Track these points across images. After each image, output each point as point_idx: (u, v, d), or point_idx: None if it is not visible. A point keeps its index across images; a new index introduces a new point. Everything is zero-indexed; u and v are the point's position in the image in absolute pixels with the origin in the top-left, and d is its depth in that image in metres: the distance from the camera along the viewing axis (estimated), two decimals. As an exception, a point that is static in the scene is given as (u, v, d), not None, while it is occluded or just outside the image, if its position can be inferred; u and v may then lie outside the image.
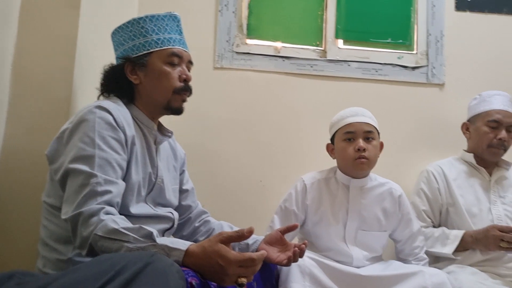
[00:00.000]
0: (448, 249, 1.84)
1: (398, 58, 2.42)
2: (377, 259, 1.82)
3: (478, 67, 2.42)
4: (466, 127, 2.10)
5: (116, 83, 1.37)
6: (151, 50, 1.36)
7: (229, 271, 0.97)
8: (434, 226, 2.01)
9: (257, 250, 1.44)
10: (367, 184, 1.83)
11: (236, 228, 1.53)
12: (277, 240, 1.45)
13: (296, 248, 1.37)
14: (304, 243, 1.39)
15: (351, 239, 1.77)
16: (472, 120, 2.07)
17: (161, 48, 1.36)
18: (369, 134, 1.76)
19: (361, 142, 1.73)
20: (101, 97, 1.40)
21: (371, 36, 2.46)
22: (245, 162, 2.27)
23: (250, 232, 1.02)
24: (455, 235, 1.86)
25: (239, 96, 2.33)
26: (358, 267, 1.72)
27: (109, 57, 1.47)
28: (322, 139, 2.12)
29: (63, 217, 1.11)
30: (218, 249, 0.98)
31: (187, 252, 1.00)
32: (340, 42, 2.44)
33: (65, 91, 1.55)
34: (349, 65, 2.39)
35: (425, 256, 1.85)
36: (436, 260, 1.96)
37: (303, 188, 1.83)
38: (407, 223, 1.85)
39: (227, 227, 1.61)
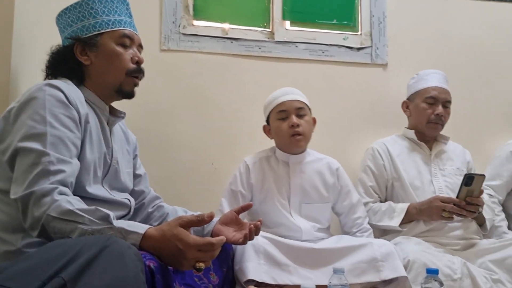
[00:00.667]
0: (395, 222, 1.93)
1: (344, 39, 2.47)
2: (325, 231, 1.91)
3: (419, 47, 2.52)
4: (406, 105, 2.19)
5: (64, 64, 1.32)
6: (102, 31, 1.33)
7: (188, 255, 0.97)
8: (381, 201, 2.10)
9: (212, 231, 1.45)
10: (305, 159, 1.95)
11: (190, 213, 1.52)
12: (232, 220, 1.46)
13: (252, 226, 1.38)
14: (259, 221, 1.41)
15: (297, 212, 1.86)
16: (411, 98, 2.16)
17: (113, 29, 1.34)
18: (300, 110, 1.88)
19: (294, 119, 1.84)
20: (48, 79, 1.34)
21: (317, 18, 2.49)
22: (196, 146, 2.26)
23: (210, 217, 1.02)
24: (401, 208, 1.96)
25: (187, 79, 2.29)
26: (309, 241, 1.79)
27: (51, 40, 1.40)
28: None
29: (12, 197, 1.06)
30: (178, 232, 0.97)
31: (145, 235, 0.98)
32: (287, 23, 2.45)
33: (3, 75, 1.47)
34: (296, 47, 2.41)
35: (368, 227, 1.95)
36: (383, 233, 2.06)
37: (246, 168, 1.91)
38: (347, 195, 1.96)
39: (182, 211, 1.60)
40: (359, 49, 2.48)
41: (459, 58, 2.55)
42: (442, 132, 2.15)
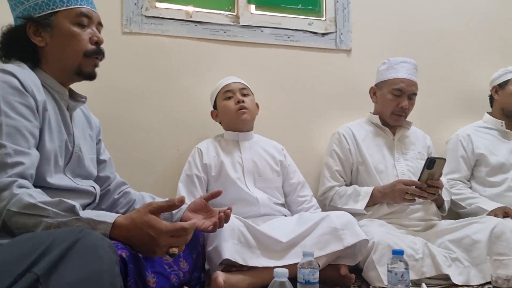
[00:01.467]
0: (360, 205, 1.98)
1: (309, 24, 2.47)
2: (281, 206, 2.00)
3: (382, 34, 2.56)
4: (373, 92, 2.23)
5: (17, 46, 1.24)
6: (57, 9, 1.24)
7: (161, 242, 0.95)
8: (346, 185, 2.14)
9: (181, 219, 1.43)
10: (253, 138, 2.09)
11: (158, 199, 1.49)
12: (201, 207, 1.45)
13: (222, 214, 1.38)
14: (229, 208, 1.41)
15: (252, 185, 1.94)
16: (379, 85, 2.20)
17: (68, 7, 1.25)
18: (244, 90, 2.04)
19: (239, 96, 2.00)
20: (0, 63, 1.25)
21: (282, 2, 2.48)
22: (161, 131, 2.21)
23: (181, 202, 1.00)
24: (366, 192, 2.00)
25: (151, 62, 2.23)
26: (267, 215, 1.87)
27: (3, 18, 1.32)
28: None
29: None
30: (149, 219, 0.95)
31: (114, 224, 0.95)
32: (252, 7, 2.42)
33: None
34: (262, 31, 2.40)
35: (318, 205, 2.06)
36: (348, 216, 2.10)
37: (198, 152, 2.01)
38: (294, 173, 2.09)
39: (149, 197, 1.56)
40: (323, 34, 2.49)
41: (421, 45, 2.61)
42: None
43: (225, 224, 1.51)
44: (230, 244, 1.57)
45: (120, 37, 2.19)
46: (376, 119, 2.20)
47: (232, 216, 1.60)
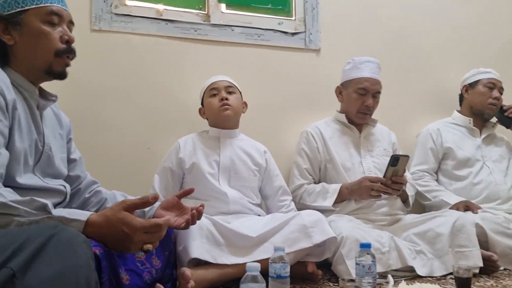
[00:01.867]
0: (328, 202, 2.03)
1: (279, 24, 2.51)
2: (256, 206, 2.01)
3: (351, 34, 2.63)
4: (339, 91, 2.29)
5: None
6: (26, 7, 1.22)
7: (135, 238, 0.96)
8: (315, 182, 2.19)
9: (154, 216, 1.44)
10: (236, 136, 2.10)
11: (130, 197, 1.49)
12: (174, 205, 1.46)
13: (194, 211, 1.39)
14: (201, 205, 1.43)
15: (225, 183, 1.96)
16: (344, 84, 2.26)
17: (38, 6, 1.23)
18: (230, 88, 2.06)
19: (223, 93, 2.03)
20: None
21: (253, 2, 2.50)
22: (132, 129, 2.21)
23: (155, 199, 1.01)
24: (334, 189, 2.06)
25: (121, 61, 2.22)
26: (238, 212, 1.89)
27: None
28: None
29: None
30: (123, 216, 0.96)
31: (88, 222, 0.96)
32: (223, 6, 2.44)
33: None
34: (232, 30, 2.42)
35: (295, 209, 2.08)
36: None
37: (177, 146, 2.03)
38: (277, 177, 2.11)
39: (121, 196, 1.56)
40: (293, 34, 2.53)
41: (389, 45, 2.69)
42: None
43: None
44: (198, 243, 1.58)
45: (88, 35, 2.16)
46: (343, 117, 2.26)
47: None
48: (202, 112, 2.12)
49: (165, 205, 1.46)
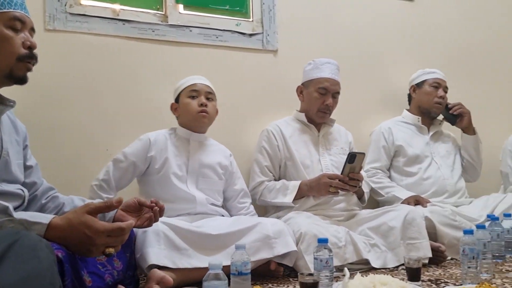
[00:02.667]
0: (288, 199, 2.09)
1: (236, 25, 2.54)
2: (219, 207, 2.04)
3: (307, 35, 2.69)
4: (300, 90, 2.35)
5: None
6: None
7: (97, 242, 0.97)
8: (275, 179, 2.24)
9: (114, 218, 1.43)
10: (205, 140, 2.10)
11: (88, 201, 1.48)
12: (134, 208, 1.45)
13: (156, 208, 1.39)
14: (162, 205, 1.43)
15: (193, 185, 1.97)
16: (305, 84, 2.32)
17: (1, 11, 1.24)
18: (209, 95, 2.06)
19: (203, 99, 2.01)
20: None
21: (210, 3, 2.52)
22: (89, 131, 2.17)
23: (119, 202, 1.02)
24: (293, 186, 2.12)
25: (77, 61, 2.18)
26: (204, 214, 1.91)
27: None
28: (168, 105, 2.16)
29: None
30: (86, 220, 0.96)
31: (50, 225, 0.95)
32: (180, 7, 2.44)
33: None
34: (190, 31, 2.43)
35: (254, 211, 2.15)
36: (277, 209, 2.20)
37: (146, 142, 1.99)
38: (239, 179, 2.16)
39: (79, 200, 1.54)
40: (251, 35, 2.57)
41: (344, 46, 2.77)
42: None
43: (149, 230, 1.55)
44: (156, 250, 1.58)
45: (42, 35, 2.11)
46: (302, 116, 2.32)
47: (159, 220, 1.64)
48: (174, 108, 2.09)
49: (126, 208, 1.46)
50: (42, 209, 1.48)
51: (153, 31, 2.34)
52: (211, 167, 2.05)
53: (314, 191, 2.08)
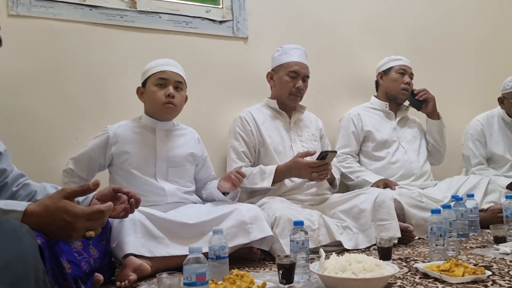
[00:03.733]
0: (266, 183, 2.11)
1: (206, 11, 2.53)
2: (191, 193, 2.01)
3: (277, 23, 2.71)
4: (270, 76, 2.37)
5: None
6: None
7: (77, 226, 0.95)
8: (252, 165, 2.26)
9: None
10: (171, 127, 2.03)
11: (60, 188, 1.45)
12: (109, 197, 1.43)
13: (132, 200, 1.39)
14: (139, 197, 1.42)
15: (162, 176, 1.93)
16: (275, 69, 2.34)
17: None
18: (179, 84, 1.96)
19: (171, 89, 1.92)
20: None
21: (180, -12, 2.49)
22: (58, 120, 2.13)
23: (95, 185, 1.00)
24: (270, 170, 2.13)
25: (43, 48, 2.12)
26: (176, 203, 1.89)
27: None
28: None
29: None
30: (63, 205, 0.94)
31: (26, 212, 0.93)
32: (149, -8, 2.40)
33: None
34: (160, 17, 2.39)
35: None
36: (250, 195, 2.23)
37: (105, 137, 1.92)
38: (209, 162, 2.14)
39: (51, 188, 1.51)
40: (221, 22, 2.56)
41: (313, 34, 2.81)
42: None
43: (126, 219, 1.53)
44: (133, 239, 1.57)
45: (5, 20, 2.04)
46: (274, 103, 2.34)
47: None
48: (140, 92, 2.00)
49: (100, 197, 1.43)
50: (13, 197, 1.44)
51: (121, 17, 2.30)
52: (180, 155, 2.00)
53: (294, 174, 2.10)
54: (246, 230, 1.76)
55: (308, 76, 2.31)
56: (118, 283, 1.46)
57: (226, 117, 2.40)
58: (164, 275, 1.22)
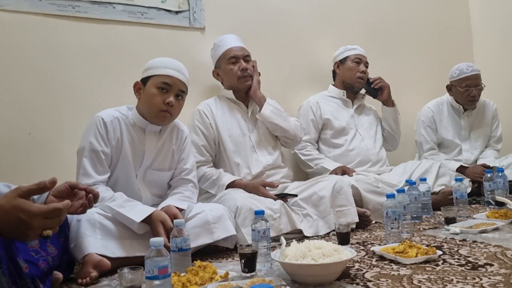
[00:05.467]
0: (215, 191, 2.15)
1: (162, 1, 2.48)
2: (162, 197, 1.94)
3: (234, 13, 2.70)
4: (216, 73, 2.39)
5: None
6: None
7: (34, 225, 0.92)
8: (212, 160, 2.27)
9: (45, 203, 1.38)
10: (161, 128, 1.91)
11: (14, 186, 1.41)
12: (66, 193, 1.39)
13: (91, 195, 1.36)
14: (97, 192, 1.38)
15: (141, 178, 1.87)
16: (217, 65, 2.37)
17: None
18: (181, 92, 1.86)
19: (172, 97, 1.81)
20: None
21: (133, -22, 2.44)
22: (8, 115, 2.05)
23: (52, 183, 0.97)
24: (223, 185, 2.13)
25: (-10, 40, 2.03)
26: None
27: None
28: (93, 84, 2.09)
29: None
30: (18, 203, 0.91)
31: None
32: (102, -18, 2.34)
33: None
34: (114, 7, 2.34)
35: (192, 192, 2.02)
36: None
37: (103, 125, 1.79)
38: (187, 159, 2.00)
39: (4, 186, 1.45)
40: (177, 12, 2.52)
41: (270, 24, 2.82)
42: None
43: (83, 219, 1.52)
44: (92, 239, 1.54)
45: None
46: (230, 94, 2.35)
47: (92, 209, 1.56)
48: (137, 87, 1.86)
49: (56, 193, 1.39)
50: (-39, 198, 1.39)
51: (73, 8, 2.23)
52: (165, 159, 1.92)
53: (252, 192, 2.08)
54: (209, 230, 1.75)
55: (248, 56, 2.34)
56: (79, 281, 1.44)
57: (184, 109, 2.37)
58: (126, 270, 1.22)
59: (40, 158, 2.08)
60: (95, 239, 1.56)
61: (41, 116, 2.12)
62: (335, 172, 2.45)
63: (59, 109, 2.15)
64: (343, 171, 2.46)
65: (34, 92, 2.12)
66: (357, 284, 1.28)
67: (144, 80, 1.85)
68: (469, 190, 2.64)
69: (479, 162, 2.91)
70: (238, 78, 2.28)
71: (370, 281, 1.30)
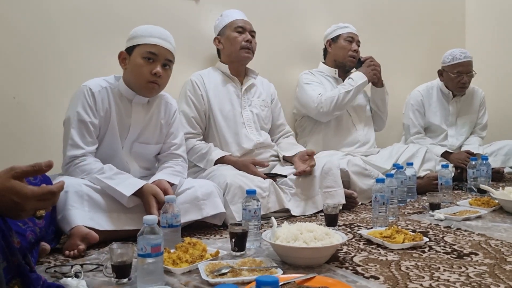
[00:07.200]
0: (204, 165, 2.13)
1: (156, -33, 2.39)
2: (152, 172, 1.89)
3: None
4: (218, 40, 2.33)
5: None
6: None
7: (27, 207, 0.89)
8: (202, 133, 2.23)
9: None
10: (148, 99, 1.85)
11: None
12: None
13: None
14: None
15: (127, 151, 1.82)
16: (221, 32, 2.32)
17: None
18: (168, 62, 1.78)
19: (159, 67, 1.73)
20: None
21: None
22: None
23: (48, 166, 0.93)
24: (211, 160, 2.09)
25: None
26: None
27: None
28: (81, 50, 2.02)
29: None
30: (11, 185, 0.87)
31: None
32: None
33: None
34: (105, -30, 2.23)
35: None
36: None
37: (91, 95, 1.72)
38: (176, 134, 1.94)
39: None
40: (171, -19, 2.43)
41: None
42: (251, 67, 2.35)
43: (71, 191, 1.50)
44: (80, 212, 1.51)
45: None
46: (225, 68, 2.30)
47: (80, 181, 1.56)
48: (122, 57, 1.77)
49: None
50: None
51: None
52: (153, 132, 1.86)
53: (240, 169, 2.06)
54: (198, 206, 1.74)
55: (254, 32, 2.31)
56: (66, 253, 1.42)
57: (176, 80, 2.30)
58: (116, 245, 1.20)
59: (24, 122, 2.02)
60: (83, 211, 1.53)
61: (26, 81, 2.04)
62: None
63: (45, 74, 2.07)
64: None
65: (19, 55, 2.03)
66: (347, 268, 1.29)
67: (129, 50, 1.76)
68: (451, 175, 2.69)
69: (464, 148, 2.96)
70: (241, 48, 2.24)
71: (359, 265, 1.32)
